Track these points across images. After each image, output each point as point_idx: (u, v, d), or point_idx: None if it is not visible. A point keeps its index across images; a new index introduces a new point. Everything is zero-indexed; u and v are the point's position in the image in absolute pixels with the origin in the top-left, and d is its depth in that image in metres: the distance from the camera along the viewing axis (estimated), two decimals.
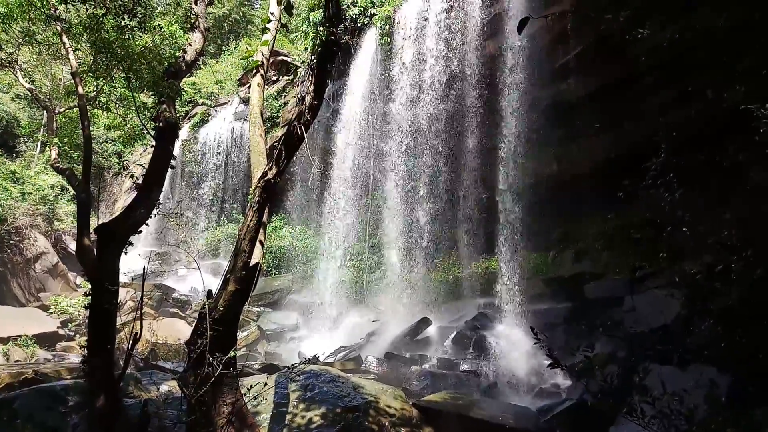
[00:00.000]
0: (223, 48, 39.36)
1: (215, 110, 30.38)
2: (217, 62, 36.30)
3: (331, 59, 7.33)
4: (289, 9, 5.81)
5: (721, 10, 5.44)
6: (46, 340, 15.81)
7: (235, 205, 26.94)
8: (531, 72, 14.90)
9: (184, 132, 28.82)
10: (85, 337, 7.83)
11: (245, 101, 26.75)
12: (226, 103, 30.22)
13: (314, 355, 13.59)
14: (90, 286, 7.58)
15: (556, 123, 14.53)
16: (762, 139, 3.83)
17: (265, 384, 6.85)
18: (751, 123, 4.14)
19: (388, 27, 19.12)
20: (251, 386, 6.74)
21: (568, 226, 14.44)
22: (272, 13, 8.35)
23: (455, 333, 13.98)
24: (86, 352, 7.29)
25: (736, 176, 4.08)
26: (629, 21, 6.65)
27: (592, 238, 13.63)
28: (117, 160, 28.48)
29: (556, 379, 11.20)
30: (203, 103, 31.12)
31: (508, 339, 13.30)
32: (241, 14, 41.10)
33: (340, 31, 8.89)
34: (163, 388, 10.11)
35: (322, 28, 7.25)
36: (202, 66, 33.22)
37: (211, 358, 5.80)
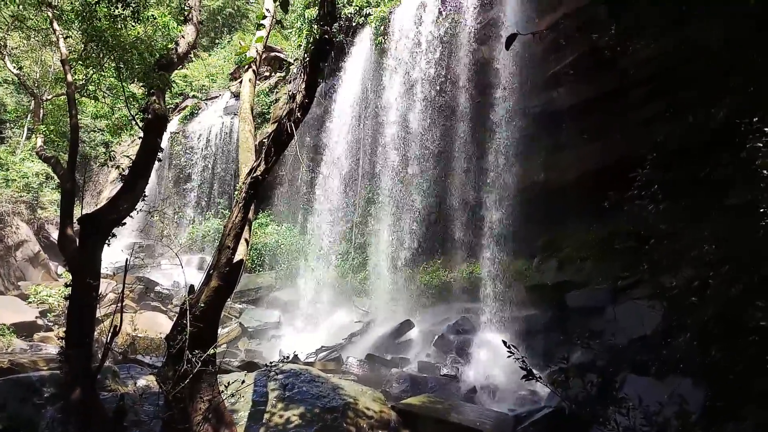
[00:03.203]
0: (217, 41, 39.14)
1: (206, 104, 30.19)
2: (209, 55, 36.08)
3: (324, 58, 7.33)
4: (284, 5, 5.78)
5: (712, 26, 5.49)
6: (24, 329, 15.60)
7: (222, 200, 26.78)
8: (522, 79, 14.96)
9: (173, 125, 28.61)
10: (64, 328, 7.73)
11: (236, 96, 26.61)
12: (217, 97, 30.04)
13: (294, 354, 13.61)
14: (71, 277, 7.50)
15: (545, 131, 14.60)
16: (747, 156, 3.87)
17: (243, 382, 6.81)
18: (737, 139, 4.18)
19: (382, 28, 19.12)
20: (229, 383, 6.71)
21: (553, 234, 14.49)
22: (267, 9, 8.33)
23: (437, 337, 14.00)
24: (64, 343, 7.21)
25: (720, 192, 4.12)
26: (620, 35, 6.71)
27: (576, 247, 13.70)
28: (104, 150, 28.21)
29: (534, 386, 11.24)
30: (194, 96, 30.93)
31: (489, 344, 13.34)
32: (236, 8, 40.87)
33: (334, 30, 8.88)
34: (141, 382, 10.04)
35: (316, 27, 7.24)
36: (194, 59, 32.98)
37: (190, 355, 5.77)
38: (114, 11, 8.45)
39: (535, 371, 3.93)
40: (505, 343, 3.76)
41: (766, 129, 3.86)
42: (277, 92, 25.40)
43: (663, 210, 4.17)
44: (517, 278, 14.72)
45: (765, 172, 3.68)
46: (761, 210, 3.55)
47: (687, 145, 5.20)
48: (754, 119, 4.15)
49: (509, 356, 3.74)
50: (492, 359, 12.59)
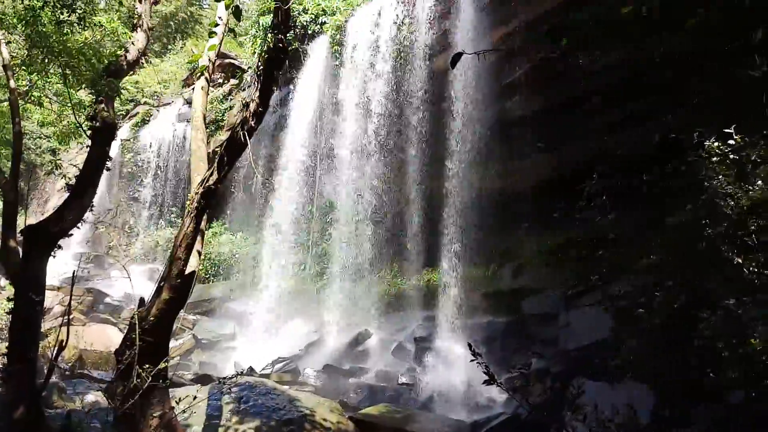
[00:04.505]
0: (169, 47, 38.36)
1: (158, 110, 29.53)
2: (162, 61, 35.33)
3: (278, 66, 7.26)
4: (237, 14, 5.69)
5: (662, 42, 5.67)
6: None
7: (174, 209, 26.18)
8: (477, 89, 15.15)
9: (124, 131, 27.89)
10: (6, 344, 7.41)
11: (189, 102, 26.12)
12: (169, 104, 29.42)
13: (249, 367, 13.38)
14: (13, 291, 7.21)
15: (500, 140, 14.79)
16: (689, 169, 3.98)
17: (195, 398, 6.64)
18: (682, 152, 4.30)
19: (339, 36, 19.11)
20: (180, 399, 6.53)
21: (509, 241, 14.70)
22: (220, 17, 8.21)
23: (395, 345, 14.00)
24: (6, 360, 6.91)
25: (665, 204, 4.23)
26: (569, 49, 6.88)
27: (531, 254, 13.93)
28: (51, 158, 27.25)
29: (491, 393, 11.33)
30: (146, 103, 30.20)
31: (446, 352, 13.40)
32: (189, 13, 40.19)
33: (290, 38, 8.80)
34: (89, 398, 9.72)
35: (270, 35, 7.17)
36: (146, 64, 32.24)
37: (140, 369, 5.59)
38: (59, 16, 8.17)
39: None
40: (470, 346, 3.77)
41: (707, 143, 3.98)
42: (231, 99, 25.08)
43: (611, 220, 4.27)
44: (474, 285, 14.83)
45: (707, 183, 3.80)
46: (703, 222, 3.67)
47: (635, 156, 5.34)
48: (695, 133, 4.27)
49: (472, 361, 3.74)
50: (449, 367, 12.65)
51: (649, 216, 4.33)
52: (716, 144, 4.05)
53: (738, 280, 3.57)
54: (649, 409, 3.87)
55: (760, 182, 3.67)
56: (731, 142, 3.99)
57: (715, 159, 4.02)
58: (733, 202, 3.74)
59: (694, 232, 3.74)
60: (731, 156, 3.92)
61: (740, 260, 3.56)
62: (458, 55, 3.69)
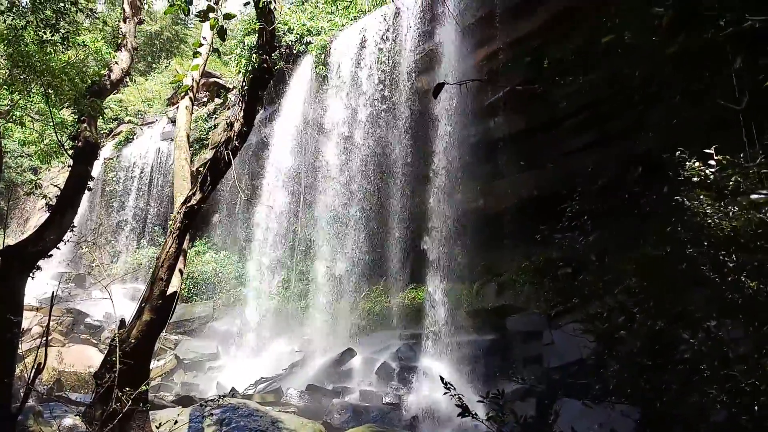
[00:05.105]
0: (154, 65, 38.30)
1: (141, 129, 29.41)
2: (146, 80, 35.25)
3: (263, 87, 7.31)
4: (221, 34, 5.73)
5: (635, 65, 5.80)
6: None
7: (157, 228, 25.96)
8: (460, 109, 15.30)
9: (107, 150, 27.71)
10: None
11: (173, 121, 26.04)
12: (153, 122, 29.32)
13: (232, 388, 13.23)
14: None
15: (483, 159, 14.92)
16: (669, 190, 4.04)
17: (175, 422, 6.54)
18: (662, 172, 4.36)
19: (323, 56, 19.23)
20: (161, 424, 6.43)
21: (492, 259, 14.73)
22: (204, 38, 8.25)
23: (380, 364, 13.91)
24: None
25: (645, 224, 4.28)
26: (552, 69, 7.00)
27: (514, 272, 13.96)
28: (32, 177, 26.96)
29: (476, 411, 11.29)
30: (129, 121, 30.07)
31: (431, 371, 13.35)
32: (174, 33, 40.23)
33: (275, 57, 8.84)
34: (67, 421, 9.51)
35: (254, 56, 7.22)
36: (130, 83, 32.17)
37: (120, 393, 5.50)
38: (42, 36, 8.14)
39: (476, 396, 3.96)
40: (442, 379, 3.76)
41: (687, 164, 4.04)
42: (215, 118, 25.04)
43: (592, 241, 4.31)
44: (458, 303, 14.84)
45: (687, 203, 3.86)
46: (683, 242, 3.72)
47: (615, 177, 5.41)
48: (676, 153, 4.33)
49: (445, 393, 3.73)
50: (434, 386, 12.58)
51: (629, 237, 4.38)
52: (697, 164, 4.10)
53: (719, 300, 3.61)
54: (630, 430, 3.89)
55: (736, 208, 3.73)
56: (712, 162, 4.05)
57: (695, 180, 4.07)
58: (713, 223, 3.79)
59: (674, 253, 3.78)
60: (711, 177, 3.98)
61: (720, 280, 3.61)
62: (440, 86, 3.75)
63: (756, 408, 3.14)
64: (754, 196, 3.56)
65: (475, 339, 13.77)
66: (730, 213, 3.78)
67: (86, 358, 15.27)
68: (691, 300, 3.70)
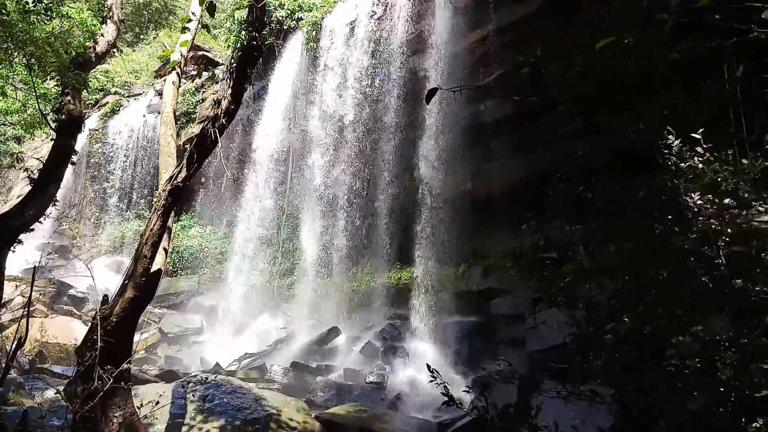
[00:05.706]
0: (142, 37, 37.54)
1: (128, 101, 28.92)
2: (134, 51, 34.58)
3: (251, 64, 7.19)
4: (211, 10, 5.61)
5: (626, 55, 5.76)
6: None
7: (142, 201, 25.71)
8: (452, 91, 15.17)
9: (92, 121, 27.24)
10: None
11: (161, 94, 25.65)
12: (140, 95, 28.83)
13: (216, 363, 13.27)
14: None
15: (473, 142, 14.88)
16: (660, 184, 4.01)
17: (157, 403, 6.54)
18: (653, 162, 4.32)
19: (314, 33, 18.98)
20: (143, 404, 6.42)
21: (479, 242, 14.79)
22: (193, 13, 8.08)
23: (364, 343, 13.99)
24: None
25: (633, 217, 4.25)
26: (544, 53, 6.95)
27: (500, 255, 14.03)
28: (15, 146, 26.50)
29: (459, 392, 11.41)
30: (116, 93, 29.54)
31: (415, 351, 13.47)
32: (163, 3, 39.44)
33: (265, 33, 8.71)
34: (49, 393, 9.52)
35: (244, 33, 7.09)
36: (117, 54, 31.53)
37: (101, 371, 5.47)
38: (26, 6, 7.92)
39: (458, 376, 4.02)
40: (429, 367, 3.78)
41: (674, 146, 3.99)
42: (203, 92, 24.70)
43: (576, 230, 4.30)
44: (444, 285, 14.91)
45: (681, 198, 3.82)
46: (672, 234, 3.70)
47: (603, 165, 5.41)
48: (667, 148, 4.28)
49: (430, 381, 3.75)
50: (417, 366, 12.70)
51: (615, 227, 4.36)
52: (684, 148, 4.05)
53: (707, 293, 3.60)
54: (609, 424, 3.92)
55: (727, 200, 3.71)
56: (699, 149, 4.01)
57: (683, 165, 4.01)
58: (702, 216, 3.78)
59: (662, 246, 3.76)
60: (700, 166, 3.94)
61: (708, 277, 3.59)
62: (433, 91, 3.70)
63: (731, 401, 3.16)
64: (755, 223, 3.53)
65: (460, 320, 13.87)
66: (718, 204, 3.75)
67: (70, 330, 15.21)
68: (678, 294, 3.68)
